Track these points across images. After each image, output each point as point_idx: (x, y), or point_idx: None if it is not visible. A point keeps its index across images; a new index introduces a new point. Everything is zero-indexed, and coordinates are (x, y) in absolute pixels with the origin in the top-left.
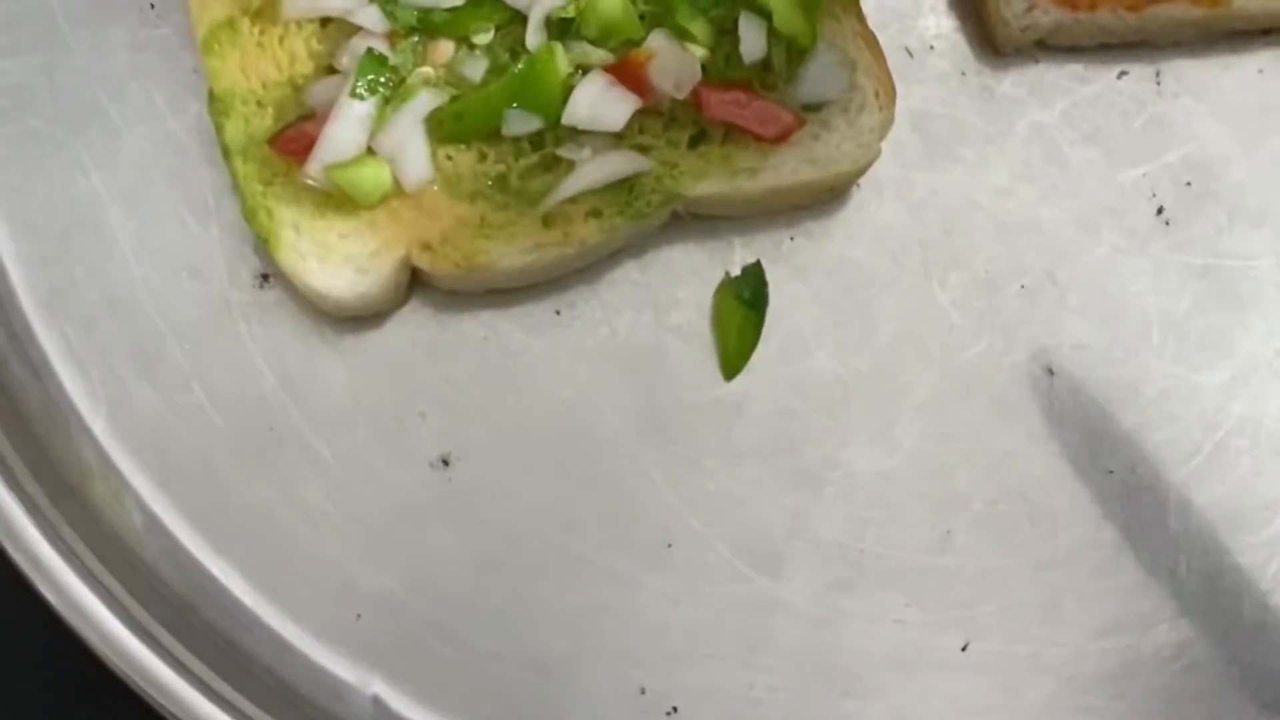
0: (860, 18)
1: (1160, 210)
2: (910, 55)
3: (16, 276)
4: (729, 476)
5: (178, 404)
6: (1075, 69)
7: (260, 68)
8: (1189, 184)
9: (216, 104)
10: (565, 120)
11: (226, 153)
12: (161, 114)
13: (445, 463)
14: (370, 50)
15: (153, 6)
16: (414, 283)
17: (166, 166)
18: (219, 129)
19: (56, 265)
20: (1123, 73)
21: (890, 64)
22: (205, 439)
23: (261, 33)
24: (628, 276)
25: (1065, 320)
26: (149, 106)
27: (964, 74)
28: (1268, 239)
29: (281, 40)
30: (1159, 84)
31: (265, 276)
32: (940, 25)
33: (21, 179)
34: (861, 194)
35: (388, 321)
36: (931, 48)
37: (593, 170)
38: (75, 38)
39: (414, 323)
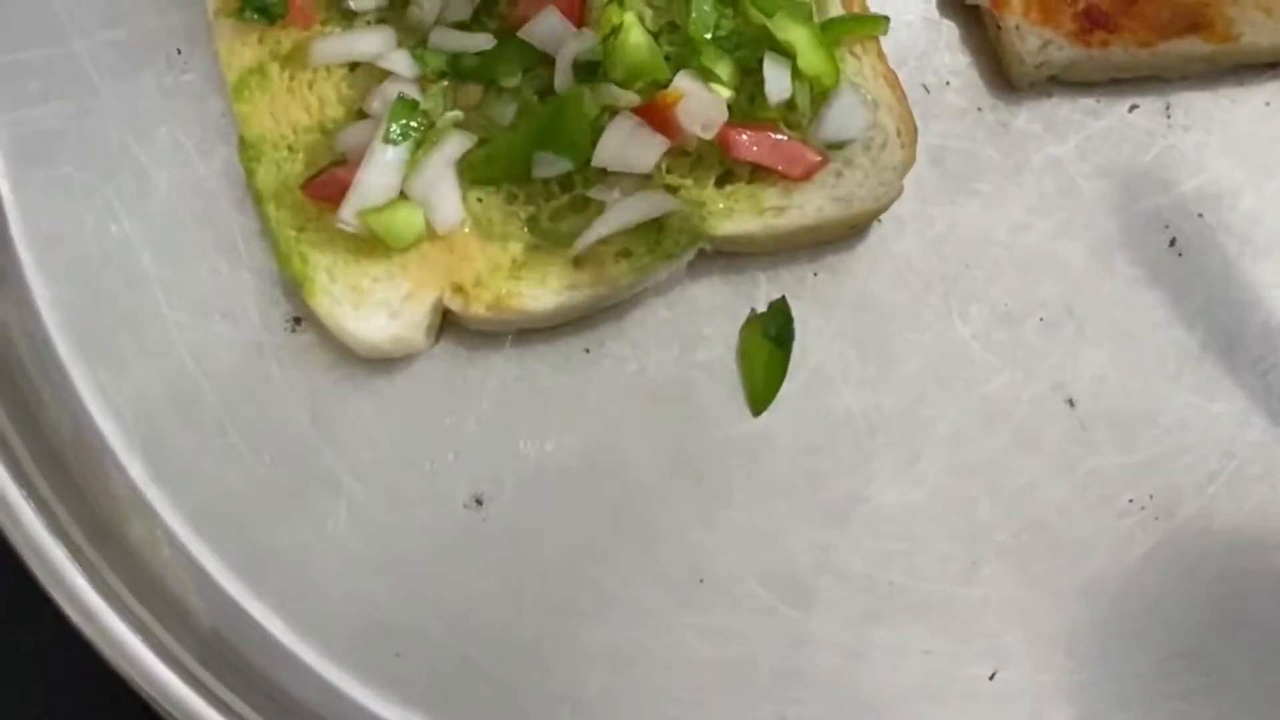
0: (881, 56)
1: (1173, 242)
2: (927, 91)
3: (50, 321)
4: (758, 511)
5: (212, 446)
6: (1088, 103)
7: (290, 113)
8: (1201, 215)
9: (247, 150)
10: (595, 162)
11: (258, 198)
12: (190, 159)
13: (479, 502)
14: (402, 95)
15: (179, 52)
16: (444, 322)
17: (196, 211)
18: (250, 174)
19: (89, 310)
20: (1133, 106)
21: (908, 100)
22: (240, 480)
23: (291, 78)
24: (655, 314)
25: (1083, 352)
26: (178, 151)
27: (980, 109)
28: (1278, 269)
29: (311, 85)
30: (1169, 117)
31: (297, 320)
32: (955, 61)
33: (54, 224)
34: (882, 229)
35: (418, 361)
36: (947, 84)
37: (623, 211)
38: (104, 84)
39: (444, 362)
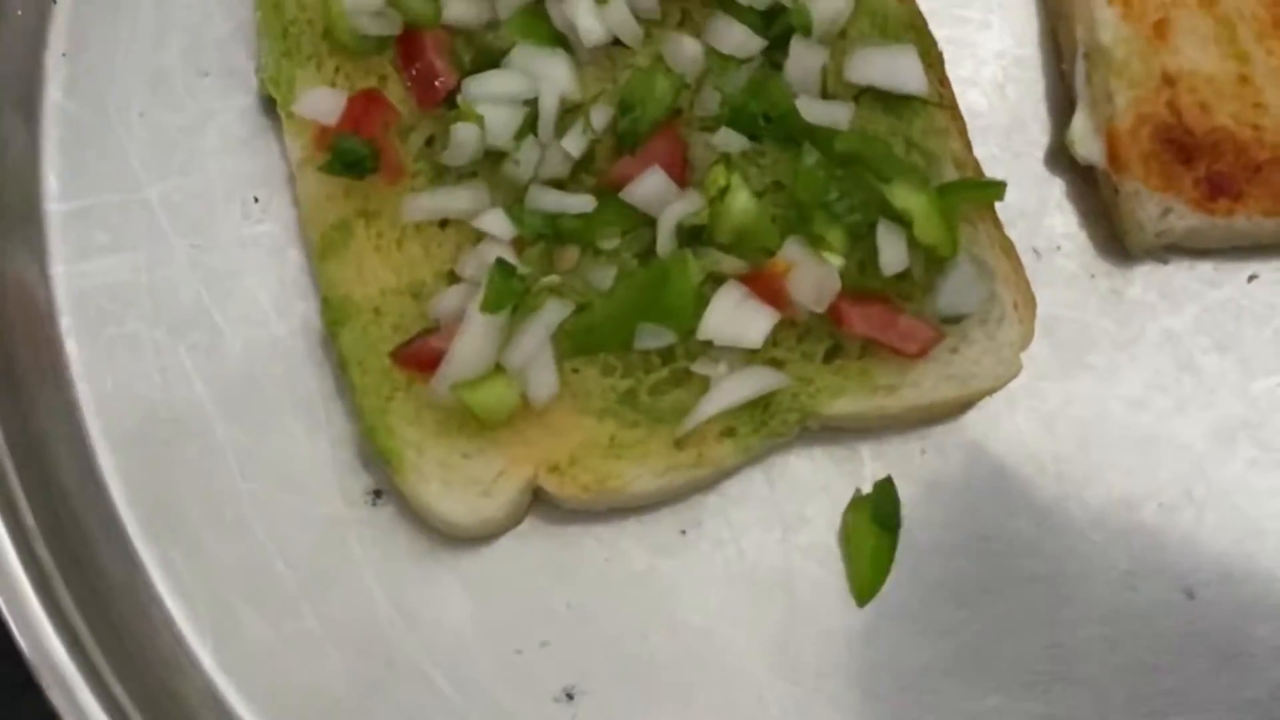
0: (996, 223)
1: None
2: (1038, 256)
3: (118, 492)
4: (865, 713)
5: (288, 632)
6: (1205, 271)
7: (378, 273)
8: None
9: (331, 311)
10: (701, 335)
11: (343, 363)
12: (266, 316)
13: (569, 696)
14: (501, 261)
15: (256, 200)
16: (533, 499)
17: (273, 373)
18: (334, 337)
19: (159, 481)
20: (1252, 276)
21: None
22: (318, 669)
23: (379, 235)
24: (754, 491)
25: (1203, 539)
26: (253, 308)
27: (1093, 276)
28: None
29: (399, 244)
30: None
31: (378, 492)
32: (1066, 223)
33: (121, 386)
34: (993, 404)
35: (505, 540)
36: (1058, 248)
37: (730, 389)
38: (177, 234)
39: (532, 542)
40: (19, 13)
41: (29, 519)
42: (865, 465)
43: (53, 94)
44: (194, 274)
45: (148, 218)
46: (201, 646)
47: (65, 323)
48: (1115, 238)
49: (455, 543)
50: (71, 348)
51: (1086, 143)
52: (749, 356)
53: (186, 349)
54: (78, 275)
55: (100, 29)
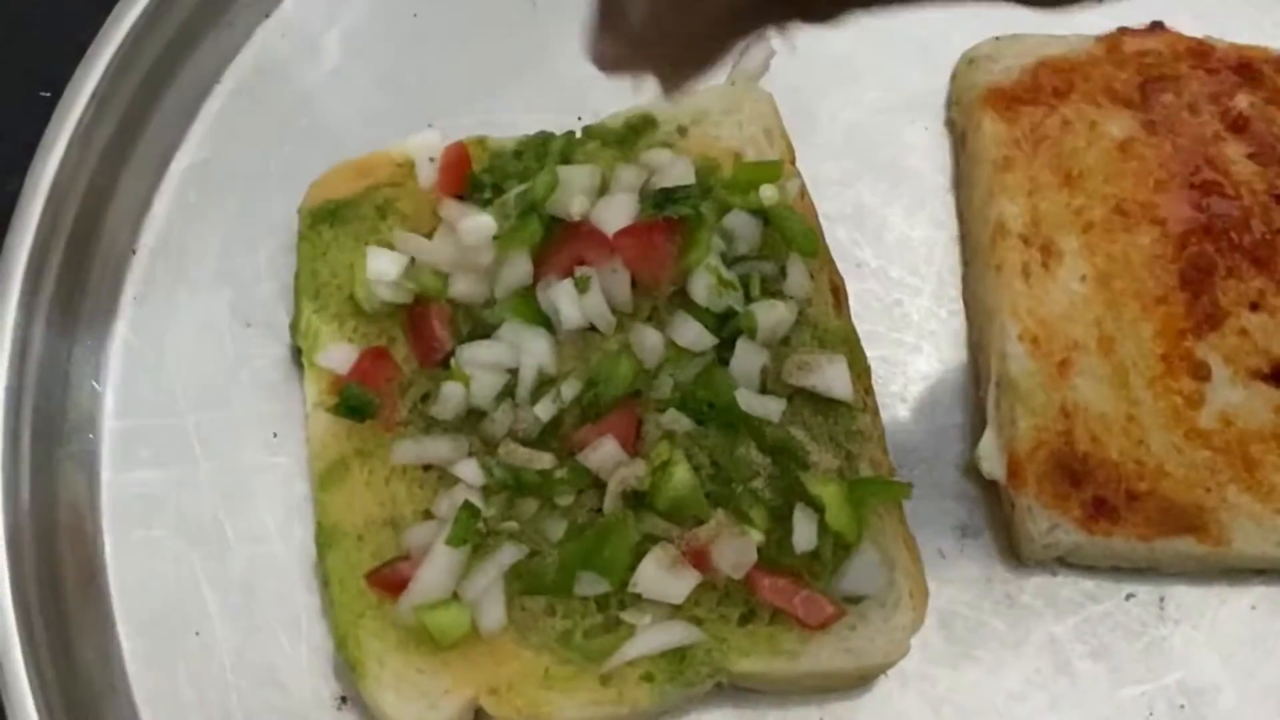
0: (902, 520)
1: None
2: (943, 556)
3: (131, 671)
4: None
5: None
6: (1089, 586)
7: (365, 505)
8: (1182, 707)
9: (323, 536)
10: (631, 587)
11: (326, 581)
12: (270, 536)
13: None
14: (468, 503)
15: (275, 435)
16: (475, 715)
17: (268, 587)
18: (321, 557)
19: (162, 666)
20: (1130, 595)
21: (924, 562)
22: None
23: (370, 473)
24: None
25: None
26: (260, 528)
27: (989, 580)
28: None
29: (387, 481)
30: (1162, 609)
31: (343, 699)
32: (973, 530)
33: (143, 583)
34: (888, 683)
35: None
36: (962, 551)
37: (651, 637)
38: (205, 458)
39: None
40: (106, 263)
41: (51, 675)
42: None
43: (121, 329)
44: (214, 493)
45: (184, 441)
46: None
47: (105, 522)
48: (1012, 548)
49: None
50: (107, 545)
51: (992, 460)
52: (672, 611)
53: (199, 557)
54: (120, 484)
55: (167, 279)
